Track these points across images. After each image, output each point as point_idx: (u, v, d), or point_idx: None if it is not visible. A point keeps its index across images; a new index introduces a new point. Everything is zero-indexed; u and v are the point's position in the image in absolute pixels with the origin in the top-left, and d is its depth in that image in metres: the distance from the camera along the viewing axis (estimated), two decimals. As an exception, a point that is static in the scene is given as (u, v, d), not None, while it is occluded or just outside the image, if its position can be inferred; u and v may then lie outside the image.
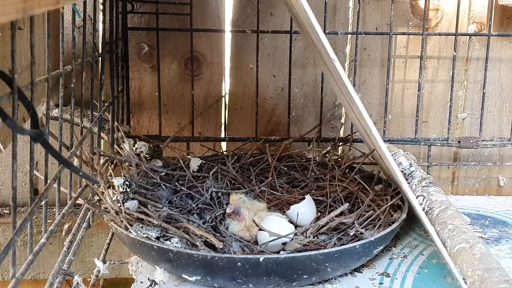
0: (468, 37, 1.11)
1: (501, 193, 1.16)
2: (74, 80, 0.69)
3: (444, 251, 0.66)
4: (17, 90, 0.47)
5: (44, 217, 0.61)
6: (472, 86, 1.14)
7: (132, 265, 0.75)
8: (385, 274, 0.73)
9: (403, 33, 1.09)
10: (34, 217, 0.55)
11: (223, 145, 1.11)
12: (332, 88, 1.06)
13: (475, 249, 0.60)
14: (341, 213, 0.77)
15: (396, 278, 0.72)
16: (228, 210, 0.76)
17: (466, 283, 0.59)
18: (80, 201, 0.75)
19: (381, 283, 0.70)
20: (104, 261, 0.74)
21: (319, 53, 0.77)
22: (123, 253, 1.02)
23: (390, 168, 0.75)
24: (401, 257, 0.78)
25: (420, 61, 1.06)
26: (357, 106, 0.69)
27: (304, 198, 0.81)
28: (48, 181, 0.60)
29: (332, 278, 0.70)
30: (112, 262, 0.76)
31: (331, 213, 0.74)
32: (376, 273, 0.73)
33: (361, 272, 0.73)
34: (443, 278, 0.72)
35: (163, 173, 0.88)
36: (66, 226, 1.04)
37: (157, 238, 0.69)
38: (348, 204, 0.79)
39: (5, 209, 1.08)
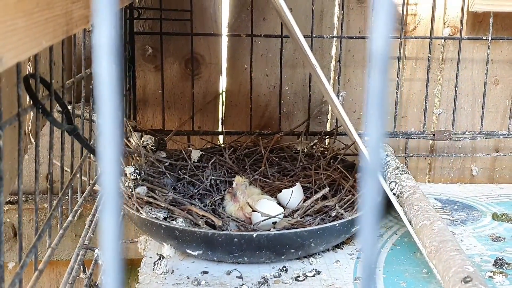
0: (443, 39, 1.21)
1: (474, 182, 1.26)
2: (93, 82, 0.79)
3: (410, 228, 0.77)
4: (53, 92, 0.58)
5: (69, 200, 0.71)
6: (447, 84, 1.24)
7: (141, 244, 0.85)
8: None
9: (384, 36, 1.19)
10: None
11: (221, 138, 1.19)
12: (319, 86, 1.17)
13: (434, 225, 0.71)
14: (325, 198, 0.88)
15: (371, 253, 0.82)
16: (234, 185, 0.85)
17: (425, 253, 0.70)
18: (97, 187, 0.86)
19: (358, 258, 0.81)
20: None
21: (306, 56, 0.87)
22: (130, 235, 1.12)
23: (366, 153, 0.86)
24: (377, 236, 0.88)
25: (398, 62, 1.16)
26: (335, 104, 0.79)
27: (292, 185, 0.91)
28: (74, 170, 0.70)
29: (316, 253, 0.80)
30: (123, 241, 0.87)
31: (314, 196, 0.85)
32: (355, 249, 0.83)
33: (342, 248, 0.83)
34: (412, 254, 0.82)
35: (167, 163, 0.98)
36: (78, 213, 1.14)
37: (165, 218, 0.79)
38: (329, 188, 0.89)
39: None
